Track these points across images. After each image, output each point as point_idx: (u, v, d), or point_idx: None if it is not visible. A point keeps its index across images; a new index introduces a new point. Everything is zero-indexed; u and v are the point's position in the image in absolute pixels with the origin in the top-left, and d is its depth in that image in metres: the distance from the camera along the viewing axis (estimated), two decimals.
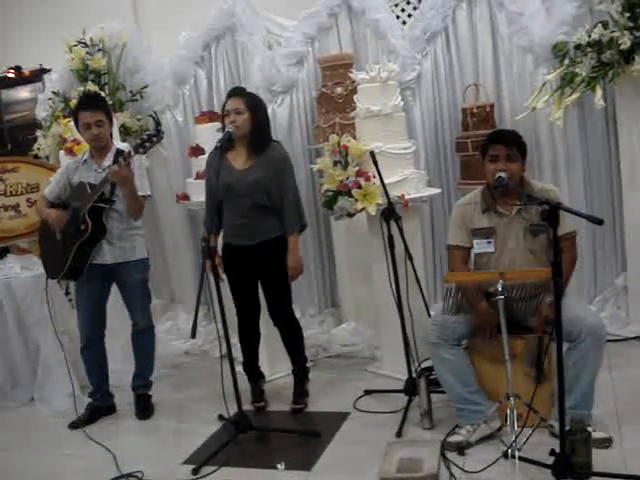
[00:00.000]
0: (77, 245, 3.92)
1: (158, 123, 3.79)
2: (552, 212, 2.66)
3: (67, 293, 5.09)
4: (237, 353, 4.20)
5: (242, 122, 3.81)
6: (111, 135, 4.13)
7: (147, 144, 3.77)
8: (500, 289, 3.05)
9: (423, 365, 3.84)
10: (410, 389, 3.83)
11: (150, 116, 4.32)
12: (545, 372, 3.35)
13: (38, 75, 7.05)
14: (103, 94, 5.17)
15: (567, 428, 2.85)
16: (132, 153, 3.75)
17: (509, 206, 3.41)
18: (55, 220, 4.03)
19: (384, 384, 4.25)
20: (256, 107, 3.89)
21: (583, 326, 3.15)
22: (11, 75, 7.44)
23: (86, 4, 6.70)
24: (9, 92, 7.67)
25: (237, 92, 3.94)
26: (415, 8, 5.34)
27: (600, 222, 2.63)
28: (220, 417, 3.94)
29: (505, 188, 3.26)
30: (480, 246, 3.43)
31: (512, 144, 3.39)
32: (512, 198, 3.40)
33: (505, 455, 3.04)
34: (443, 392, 3.59)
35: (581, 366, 3.18)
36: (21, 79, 7.42)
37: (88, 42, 5.43)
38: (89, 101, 4.06)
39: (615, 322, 4.66)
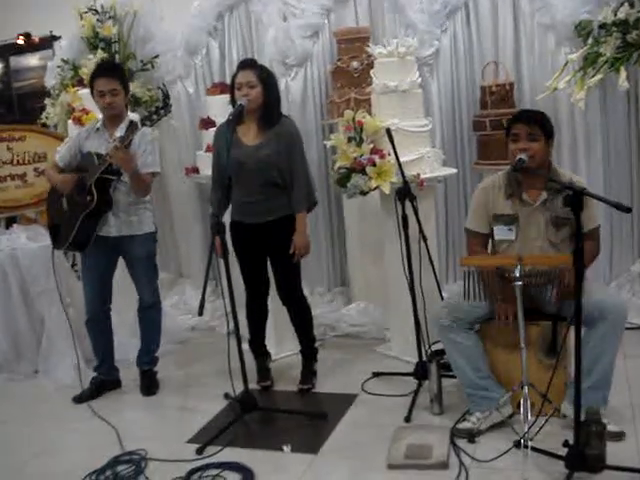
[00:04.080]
0: (83, 216, 3.84)
1: (167, 96, 3.70)
2: (576, 197, 2.56)
3: (73, 264, 5.02)
4: (244, 330, 4.13)
5: (255, 95, 3.71)
6: (126, 105, 4.04)
7: (154, 117, 3.70)
8: (518, 274, 2.95)
9: (433, 348, 3.76)
10: (420, 373, 3.76)
11: (159, 88, 4.23)
12: (560, 359, 3.26)
13: (48, 42, 6.94)
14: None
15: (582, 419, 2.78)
16: (139, 125, 3.66)
17: (535, 194, 3.28)
18: (62, 183, 3.95)
19: (393, 366, 4.18)
20: (269, 80, 3.79)
21: (604, 306, 3.07)
22: (21, 42, 7.33)
23: None
24: (18, 59, 7.58)
25: (249, 64, 3.83)
26: None
27: (628, 210, 2.53)
28: (226, 395, 3.88)
29: (526, 170, 3.14)
30: (501, 232, 3.32)
31: (533, 122, 3.25)
32: (538, 183, 3.27)
33: (517, 444, 2.96)
34: (454, 377, 3.52)
35: (600, 347, 3.09)
36: (31, 46, 7.32)
37: (99, 9, 5.31)
38: (105, 69, 3.99)
39: (631, 309, 4.50)
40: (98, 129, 3.98)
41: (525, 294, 3.08)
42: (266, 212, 3.80)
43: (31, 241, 4.69)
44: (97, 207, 3.83)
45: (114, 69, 4.05)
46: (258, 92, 3.71)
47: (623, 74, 4.04)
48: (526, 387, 3.03)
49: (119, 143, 3.66)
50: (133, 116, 4.23)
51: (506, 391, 3.31)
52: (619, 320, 3.11)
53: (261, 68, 3.83)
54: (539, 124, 3.27)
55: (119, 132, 3.85)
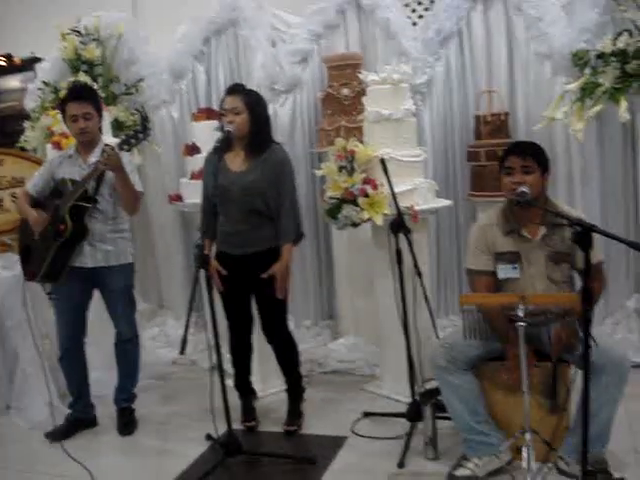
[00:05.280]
0: (56, 246, 3.66)
1: (145, 119, 3.54)
2: (585, 235, 2.41)
3: (49, 293, 4.80)
4: (228, 365, 3.95)
5: (240, 122, 3.56)
6: (100, 130, 3.88)
7: (132, 140, 3.53)
8: (521, 314, 2.79)
9: (427, 386, 3.59)
10: (413, 414, 3.57)
11: (137, 110, 4.06)
12: (560, 403, 3.10)
13: (30, 64, 6.75)
14: (96, 86, 4.92)
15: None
16: (116, 150, 3.50)
17: (534, 230, 3.14)
18: (35, 222, 3.77)
19: (384, 406, 4.01)
20: (255, 106, 3.64)
21: (608, 358, 2.91)
22: (1, 63, 7.15)
23: None
24: None
25: (235, 89, 3.68)
26: (427, 9, 5.11)
27: None
28: (208, 437, 3.67)
29: (528, 204, 2.98)
30: (505, 271, 3.14)
31: (527, 155, 3.12)
32: (535, 217, 3.13)
33: None
34: (448, 418, 3.34)
35: (601, 401, 2.94)
36: (12, 67, 7.14)
37: (82, 31, 5.18)
38: (78, 92, 3.81)
39: (627, 347, 4.39)
40: (71, 156, 3.82)
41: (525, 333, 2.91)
42: (251, 243, 3.63)
43: (5, 270, 4.47)
44: (71, 236, 3.64)
45: (87, 92, 3.87)
46: (244, 119, 3.57)
47: (624, 105, 3.95)
48: (528, 434, 2.86)
49: (109, 149, 3.50)
50: (115, 142, 4.06)
51: (505, 435, 3.14)
52: (623, 372, 2.97)
53: (249, 93, 3.68)
54: (533, 156, 3.13)
55: (93, 157, 3.70)
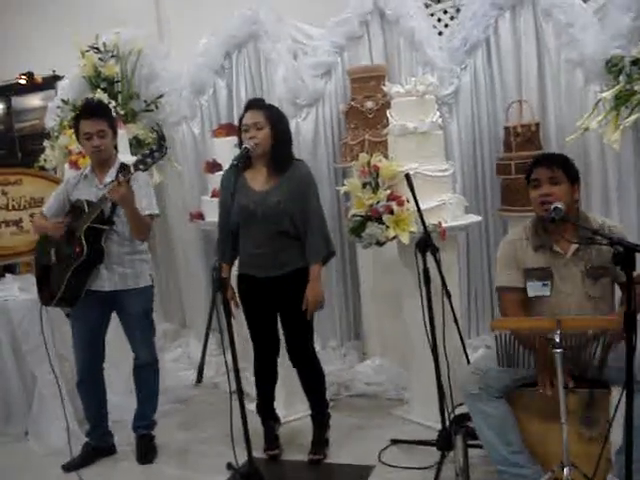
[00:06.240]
0: (71, 270, 3.55)
1: (162, 137, 3.44)
2: (627, 255, 2.23)
3: (68, 315, 4.71)
4: (250, 388, 3.81)
5: (262, 138, 3.42)
6: (115, 148, 3.77)
7: (148, 160, 3.42)
8: (558, 340, 2.60)
9: (457, 411, 3.40)
10: (444, 443, 3.39)
11: (153, 129, 3.96)
12: (601, 431, 2.90)
13: (50, 82, 6.73)
14: (114, 103, 4.85)
15: None
16: (132, 170, 3.39)
17: (566, 245, 2.96)
18: (54, 229, 3.67)
19: (412, 432, 3.84)
20: (277, 121, 3.50)
21: None
22: (23, 81, 7.14)
23: (107, 10, 6.42)
24: (20, 99, 7.38)
25: (256, 104, 3.56)
26: (452, 18, 4.96)
27: None
28: (229, 466, 3.50)
29: (553, 221, 2.80)
30: (534, 289, 2.97)
31: (554, 165, 2.96)
32: (568, 233, 2.95)
33: None
34: (481, 446, 3.15)
35: None
36: (33, 86, 7.14)
37: (101, 47, 5.10)
38: (91, 109, 3.71)
39: None
40: (86, 176, 3.72)
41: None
42: (277, 265, 3.49)
43: (23, 292, 4.38)
44: (87, 259, 3.54)
45: (100, 109, 3.77)
46: (266, 134, 3.44)
47: None
48: (567, 469, 2.66)
49: (122, 178, 3.39)
50: (128, 159, 3.96)
51: (541, 466, 2.94)
52: None
53: (270, 108, 3.56)
54: (561, 166, 2.97)
55: (109, 177, 3.60)
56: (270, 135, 3.45)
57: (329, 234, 3.64)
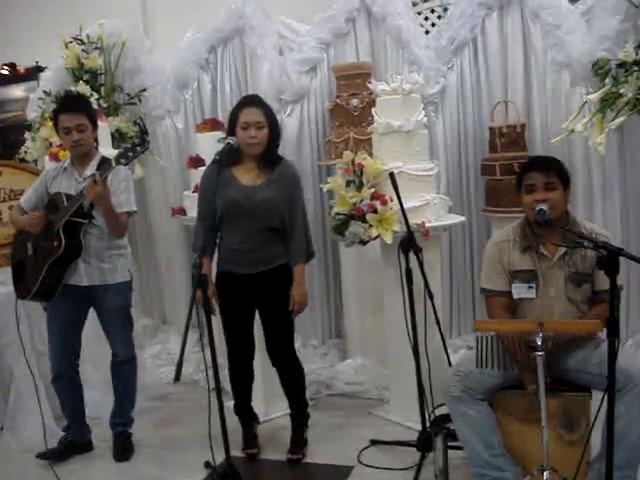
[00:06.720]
0: (49, 263, 3.48)
1: (144, 131, 3.36)
2: (611, 259, 2.21)
3: (45, 309, 4.65)
4: (228, 386, 3.76)
5: (263, 138, 3.38)
6: (96, 141, 3.71)
7: (130, 154, 3.36)
8: (540, 342, 2.58)
9: (438, 412, 3.37)
10: (423, 444, 3.37)
11: (135, 123, 3.90)
12: (582, 434, 2.89)
13: (33, 73, 6.65)
14: (97, 96, 4.79)
15: None
16: (113, 163, 3.34)
17: (553, 248, 2.95)
18: (30, 224, 3.60)
19: (392, 432, 3.81)
20: (275, 121, 3.48)
21: (631, 374, 2.70)
22: (5, 72, 7.05)
23: (91, 1, 6.32)
24: (2, 90, 7.26)
25: (256, 102, 3.47)
26: (440, 17, 4.95)
27: None
28: (207, 464, 3.48)
29: (547, 224, 2.79)
30: (519, 291, 2.96)
31: (550, 170, 2.95)
32: (556, 237, 2.94)
33: None
34: (461, 447, 3.13)
35: (627, 420, 2.72)
36: (15, 76, 7.04)
37: (85, 39, 5.04)
38: (70, 103, 3.65)
39: None
40: (66, 169, 3.65)
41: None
42: (262, 261, 3.44)
43: (1, 285, 4.30)
44: (65, 253, 3.47)
45: (80, 102, 3.70)
46: (265, 134, 3.39)
47: None
48: (547, 472, 2.65)
49: (98, 177, 3.33)
50: (109, 153, 3.90)
51: (521, 470, 2.92)
52: None
53: (268, 107, 3.49)
54: (556, 172, 2.95)
55: (89, 171, 3.53)
56: (268, 134, 3.41)
57: (310, 234, 3.61)
